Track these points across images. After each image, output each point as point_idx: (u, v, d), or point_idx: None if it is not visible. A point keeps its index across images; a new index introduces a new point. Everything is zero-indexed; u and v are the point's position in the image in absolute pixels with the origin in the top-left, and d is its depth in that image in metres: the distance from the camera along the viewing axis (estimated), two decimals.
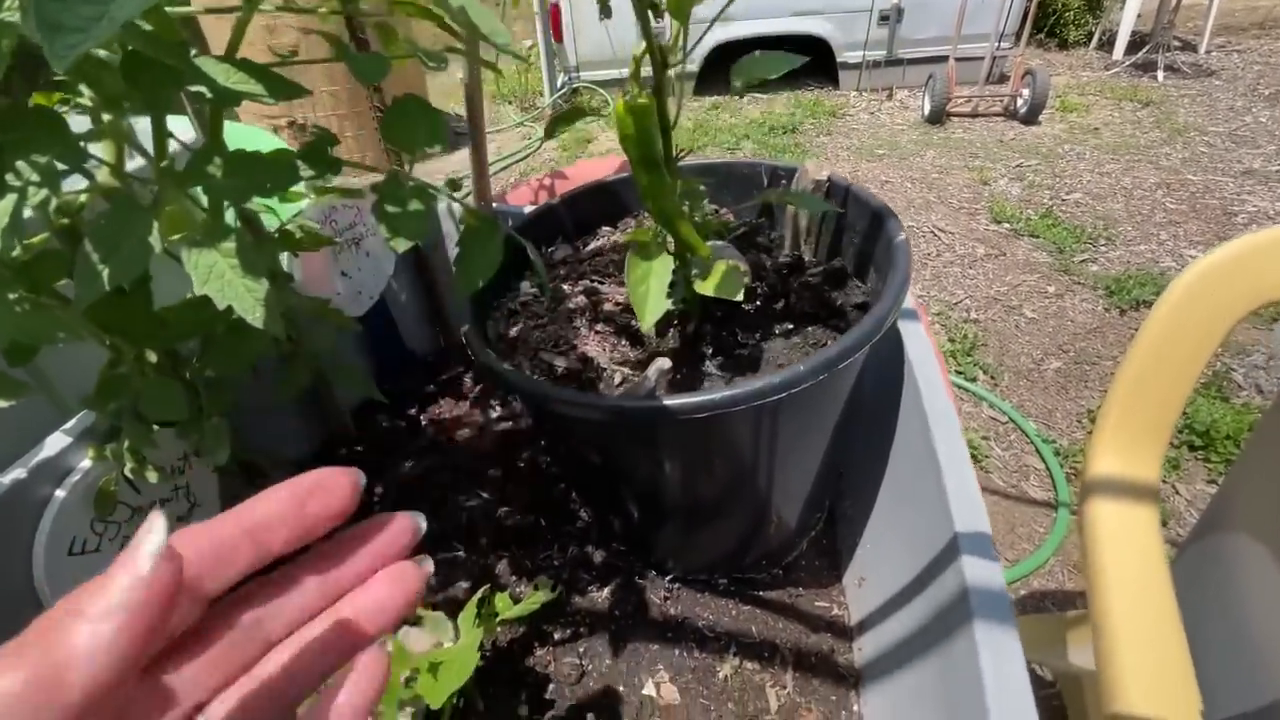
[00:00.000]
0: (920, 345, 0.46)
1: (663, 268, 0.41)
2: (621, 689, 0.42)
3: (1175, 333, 0.60)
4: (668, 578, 0.51)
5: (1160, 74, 3.80)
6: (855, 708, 0.44)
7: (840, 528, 0.57)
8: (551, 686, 0.43)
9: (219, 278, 0.34)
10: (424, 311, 0.73)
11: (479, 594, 0.41)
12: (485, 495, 0.55)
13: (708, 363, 0.48)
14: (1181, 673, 0.48)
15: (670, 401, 0.38)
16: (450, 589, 0.49)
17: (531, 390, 0.43)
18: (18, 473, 0.43)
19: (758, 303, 0.50)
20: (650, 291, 0.40)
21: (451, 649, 0.39)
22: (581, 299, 0.48)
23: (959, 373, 1.71)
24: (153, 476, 0.49)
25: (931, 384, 0.43)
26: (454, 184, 0.47)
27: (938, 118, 3.43)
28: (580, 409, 0.41)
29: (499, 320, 0.50)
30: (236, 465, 0.56)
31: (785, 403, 0.39)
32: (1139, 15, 4.17)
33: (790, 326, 0.48)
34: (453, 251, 0.57)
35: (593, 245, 0.55)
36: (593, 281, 0.50)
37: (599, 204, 0.59)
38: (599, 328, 0.47)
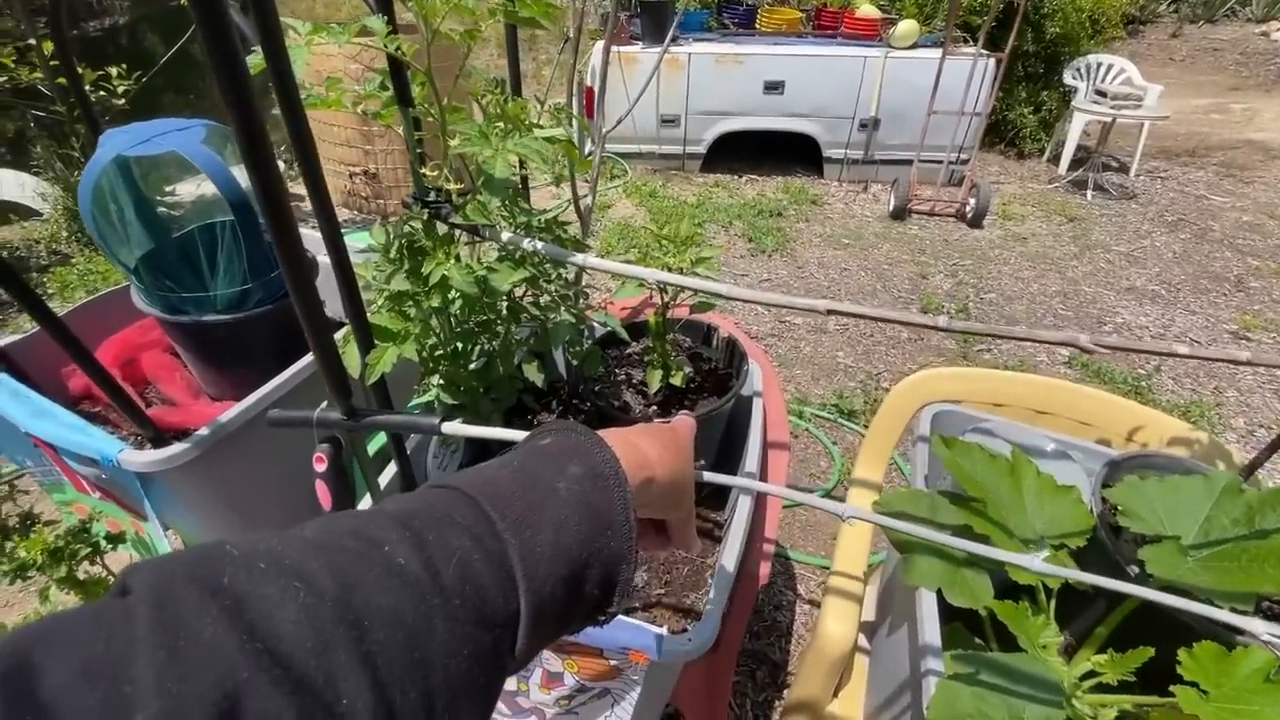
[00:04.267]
0: (759, 409, 1.10)
1: (657, 374, 1.04)
2: None
3: (890, 412, 1.26)
4: None
5: (1089, 193, 4.54)
6: (716, 553, 1.06)
7: (725, 488, 1.19)
8: None
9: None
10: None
11: None
12: None
13: (673, 409, 1.10)
14: (863, 544, 1.12)
15: (657, 420, 1.02)
16: None
17: (609, 411, 1.06)
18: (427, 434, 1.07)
19: (693, 384, 1.14)
20: (653, 379, 1.03)
21: None
22: (624, 376, 1.12)
23: (865, 426, 2.35)
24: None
25: (756, 427, 1.06)
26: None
27: (900, 214, 4.14)
28: (621, 419, 1.04)
29: (595, 383, 1.14)
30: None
31: (700, 422, 1.03)
32: (1086, 133, 4.95)
33: (705, 396, 1.12)
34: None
35: (628, 350, 1.19)
36: (629, 370, 1.14)
37: (631, 329, 1.23)
38: (630, 391, 1.10)
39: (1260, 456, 0.86)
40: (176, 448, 0.91)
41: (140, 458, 0.89)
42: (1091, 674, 0.83)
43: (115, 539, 1.12)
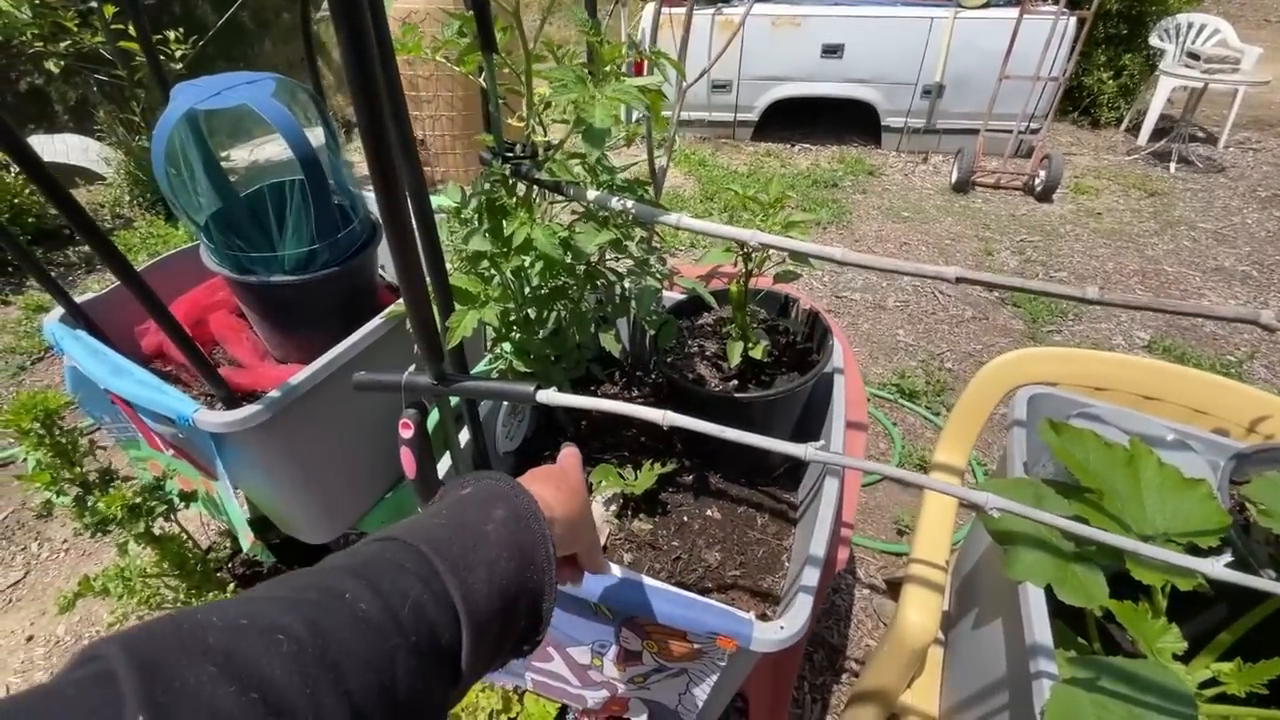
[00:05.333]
0: (840, 387, 1.03)
1: (738, 346, 0.99)
2: (696, 510, 1.01)
3: (978, 393, 1.18)
4: (719, 475, 1.09)
5: (1173, 165, 4.22)
6: (791, 535, 1.01)
7: (799, 468, 1.13)
8: (667, 506, 1.02)
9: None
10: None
11: (648, 464, 0.99)
12: (632, 432, 1.15)
13: (750, 383, 1.05)
14: (946, 530, 1.06)
15: (735, 395, 0.97)
16: (623, 468, 1.06)
17: (683, 384, 1.01)
18: (496, 401, 1.04)
19: (771, 358, 1.07)
20: (734, 352, 0.98)
21: (636, 482, 0.98)
22: (697, 348, 1.06)
23: (927, 408, 2.26)
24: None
25: (838, 407, 1.00)
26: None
27: (963, 187, 3.94)
28: (697, 393, 0.99)
29: (667, 355, 1.09)
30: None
31: (776, 400, 0.97)
32: (1170, 101, 4.59)
33: (783, 372, 1.05)
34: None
35: (701, 321, 1.14)
36: (701, 341, 1.09)
37: (699, 301, 1.17)
38: (704, 362, 1.05)
39: None
40: (250, 409, 0.90)
41: (214, 418, 0.88)
42: (1211, 682, 0.77)
43: (188, 497, 1.13)
